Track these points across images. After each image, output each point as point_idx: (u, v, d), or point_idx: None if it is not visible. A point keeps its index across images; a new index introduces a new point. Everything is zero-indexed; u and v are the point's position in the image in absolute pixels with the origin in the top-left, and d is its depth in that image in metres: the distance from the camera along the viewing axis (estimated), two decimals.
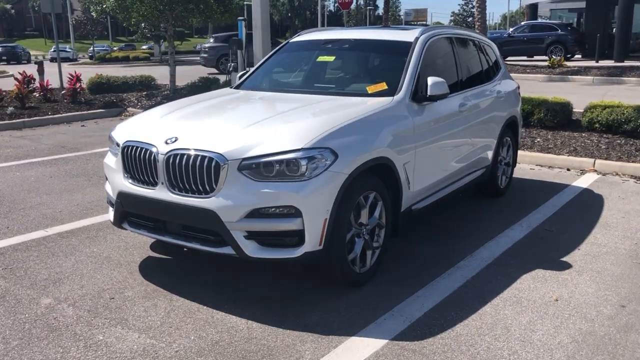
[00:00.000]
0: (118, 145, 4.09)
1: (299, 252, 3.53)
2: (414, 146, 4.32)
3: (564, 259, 4.55)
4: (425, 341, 3.31)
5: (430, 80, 4.46)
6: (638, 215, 5.64)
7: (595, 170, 7.53)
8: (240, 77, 5.50)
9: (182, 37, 66.64)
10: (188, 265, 4.39)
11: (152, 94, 14.07)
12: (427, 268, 4.32)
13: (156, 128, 4.04)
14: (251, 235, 3.53)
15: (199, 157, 3.57)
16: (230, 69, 11.56)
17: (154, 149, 3.75)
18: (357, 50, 5.20)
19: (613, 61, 22.79)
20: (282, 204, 3.47)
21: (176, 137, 3.75)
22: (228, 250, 3.59)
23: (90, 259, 4.52)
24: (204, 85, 13.23)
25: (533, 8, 30.54)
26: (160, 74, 16.94)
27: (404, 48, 4.83)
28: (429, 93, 4.45)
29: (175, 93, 13.88)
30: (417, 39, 4.90)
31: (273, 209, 3.49)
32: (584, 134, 8.61)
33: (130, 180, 3.93)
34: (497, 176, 6.15)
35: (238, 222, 3.49)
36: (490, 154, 5.86)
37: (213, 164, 3.53)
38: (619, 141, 8.18)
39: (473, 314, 3.62)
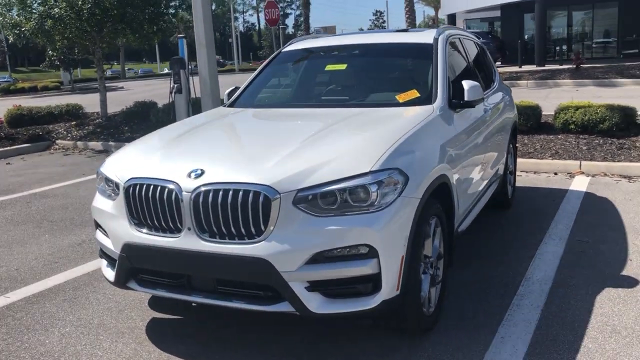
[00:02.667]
0: (116, 184, 3.24)
1: (375, 301, 2.83)
2: (460, 159, 3.76)
3: (625, 273, 4.11)
4: None
5: (467, 84, 3.93)
6: None
7: (583, 172, 7.31)
8: (230, 93, 4.73)
9: (112, 59, 63.63)
10: (206, 325, 3.57)
11: (82, 123, 12.82)
12: (487, 300, 3.74)
13: (167, 159, 3.23)
14: (314, 286, 2.81)
15: (241, 192, 2.81)
16: (174, 90, 10.62)
17: (173, 186, 2.95)
18: (369, 56, 4.59)
19: (535, 66, 23.58)
20: (354, 243, 2.77)
21: (201, 169, 2.96)
22: (284, 307, 2.84)
23: (80, 330, 3.59)
24: (142, 111, 12.17)
25: (452, 18, 31.34)
26: (83, 102, 15.56)
27: (425, 50, 4.28)
28: (466, 98, 3.92)
29: (110, 120, 12.71)
30: (436, 40, 4.37)
31: (341, 250, 2.78)
32: (559, 136, 8.43)
33: (140, 228, 3.09)
34: (507, 186, 5.72)
35: (298, 271, 2.76)
36: (502, 162, 5.41)
37: (261, 199, 2.78)
38: (597, 141, 8.04)
39: (577, 354, 3.05)
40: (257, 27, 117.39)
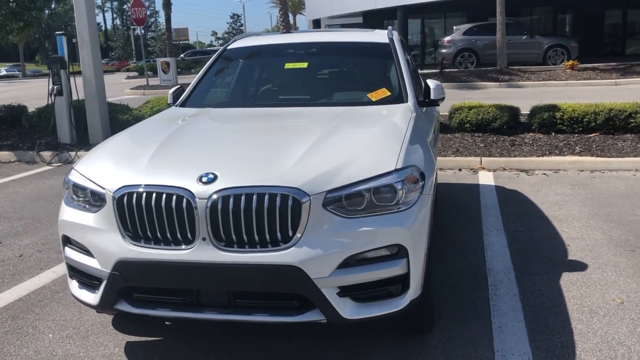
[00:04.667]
0: (98, 194, 2.85)
1: (404, 302, 2.78)
2: (433, 156, 3.84)
3: (571, 258, 4.46)
4: None
5: (432, 83, 4.04)
6: (569, 205, 5.88)
7: (484, 168, 7.84)
8: (176, 93, 4.39)
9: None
10: (194, 342, 3.27)
11: None
12: (465, 292, 3.86)
13: (165, 164, 2.91)
14: (345, 291, 2.69)
15: (266, 197, 2.61)
16: (54, 92, 9.63)
17: (183, 193, 2.65)
18: (328, 54, 4.52)
19: None
20: (386, 244, 2.70)
21: (213, 173, 2.70)
22: (312, 316, 2.69)
23: None
24: (10, 116, 10.88)
25: (317, 23, 32.09)
26: None
27: (384, 49, 4.33)
28: (432, 97, 4.02)
29: None
30: (391, 39, 4.44)
31: (373, 252, 2.69)
32: (457, 135, 8.95)
33: (136, 242, 2.74)
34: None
35: (330, 277, 2.63)
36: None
37: (289, 202, 2.60)
38: (491, 138, 8.65)
39: (574, 336, 3.25)
40: (103, 28, 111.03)
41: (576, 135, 8.41)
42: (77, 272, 3.01)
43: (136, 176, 2.81)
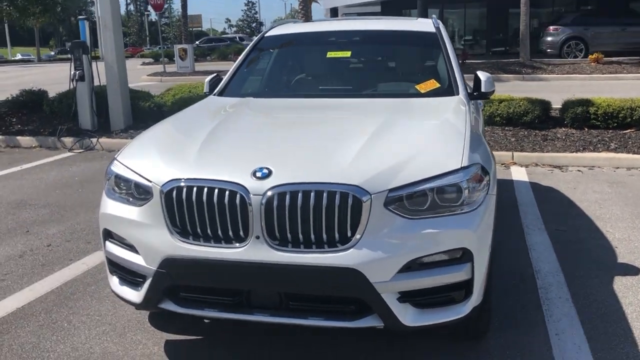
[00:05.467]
0: (144, 187, 2.71)
1: (467, 309, 2.62)
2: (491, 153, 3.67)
3: (621, 261, 4.27)
4: None
5: (483, 75, 3.85)
6: (609, 204, 5.68)
7: (515, 163, 7.63)
8: (213, 82, 4.23)
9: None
10: (236, 341, 3.13)
11: None
12: (515, 295, 3.69)
13: (215, 157, 2.76)
14: (405, 297, 2.53)
15: (325, 194, 2.44)
16: (76, 77, 9.50)
17: (237, 189, 2.50)
18: (371, 43, 4.33)
19: None
20: (451, 247, 2.54)
21: (267, 168, 2.54)
22: (370, 321, 2.54)
23: None
24: (31, 101, 10.78)
25: (334, 12, 31.74)
26: None
27: (431, 39, 4.14)
28: (483, 90, 3.83)
29: None
30: (437, 28, 4.24)
31: (437, 256, 2.52)
32: (486, 128, 8.72)
33: (185, 239, 2.60)
34: None
35: (391, 281, 2.47)
36: None
37: (350, 201, 2.44)
38: (522, 133, 8.43)
39: (638, 347, 3.07)
40: None
41: (610, 131, 8.16)
42: (118, 268, 2.87)
43: (186, 169, 2.66)
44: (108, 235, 2.90)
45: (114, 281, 2.92)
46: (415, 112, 3.40)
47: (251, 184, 2.50)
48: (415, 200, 2.53)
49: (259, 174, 2.52)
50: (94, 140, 9.07)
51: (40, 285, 3.96)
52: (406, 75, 4.06)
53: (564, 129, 8.43)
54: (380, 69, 4.25)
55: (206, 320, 3.35)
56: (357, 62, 4.22)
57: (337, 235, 2.47)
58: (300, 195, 2.45)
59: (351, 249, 2.45)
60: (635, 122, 8.09)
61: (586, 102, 8.43)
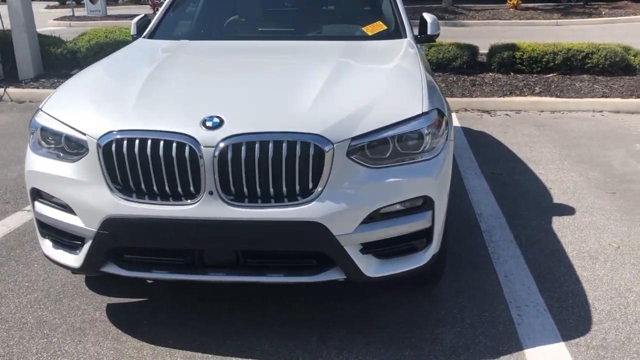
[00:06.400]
0: (77, 140, 2.43)
1: (427, 257, 2.58)
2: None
3: (557, 201, 4.40)
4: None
5: (429, 18, 3.76)
6: (538, 146, 5.85)
7: None
8: (141, 23, 3.87)
9: None
10: (183, 301, 2.97)
11: None
12: (462, 238, 3.73)
13: (157, 105, 2.51)
14: (368, 248, 2.44)
15: (284, 145, 2.28)
16: None
17: (185, 140, 2.28)
18: None
19: None
20: (413, 195, 2.46)
21: (218, 117, 2.34)
22: (332, 275, 2.45)
23: (21, 334, 2.72)
24: None
25: None
26: None
27: None
28: (429, 32, 3.74)
29: None
30: None
31: (400, 205, 2.44)
32: None
33: (128, 197, 2.37)
34: None
35: (355, 233, 2.37)
36: None
37: (311, 151, 2.29)
38: (451, 78, 8.49)
39: (582, 284, 3.17)
40: None
41: (535, 75, 8.37)
42: (51, 230, 2.61)
43: (125, 120, 2.40)
44: (37, 195, 2.61)
45: (47, 244, 2.66)
46: (366, 56, 3.26)
47: (201, 134, 2.29)
48: (377, 149, 2.42)
49: (209, 124, 2.31)
50: (1, 90, 8.31)
51: None
52: (351, 16, 3.89)
53: (491, 74, 8.56)
54: (324, 10, 4.04)
55: (149, 281, 3.16)
56: (298, 3, 3.98)
57: (298, 188, 2.32)
58: (257, 146, 2.27)
59: (313, 202, 2.32)
60: (557, 66, 8.34)
61: (512, 47, 8.58)
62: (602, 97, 7.56)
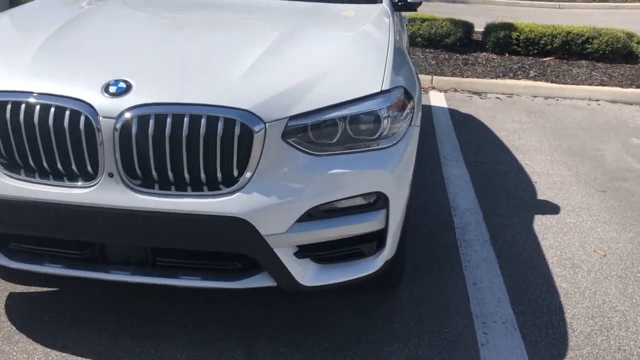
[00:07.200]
0: None
1: (377, 263, 2.16)
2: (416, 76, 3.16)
3: (541, 198, 4.00)
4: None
5: None
6: (528, 134, 5.44)
7: (434, 87, 7.25)
8: None
9: None
10: (103, 297, 2.55)
11: None
12: (432, 234, 3.32)
13: (54, 64, 2.05)
14: (305, 252, 2.02)
15: (203, 120, 1.84)
16: None
17: (79, 107, 1.83)
18: None
19: None
20: (363, 191, 2.03)
21: (125, 81, 1.89)
22: (259, 281, 2.03)
23: None
24: None
25: None
26: None
27: None
28: None
29: None
30: None
31: (345, 202, 2.02)
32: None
33: (14, 174, 1.93)
34: None
35: (288, 233, 1.94)
36: None
37: (237, 130, 1.85)
38: (443, 55, 8.02)
39: (561, 298, 2.78)
40: None
41: (531, 57, 7.92)
42: None
43: (14, 78, 1.94)
44: None
45: None
46: (328, 20, 2.79)
47: (101, 101, 1.84)
48: (322, 132, 1.98)
49: (113, 89, 1.86)
50: None
51: None
52: None
53: (485, 53, 8.10)
54: None
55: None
56: None
57: (219, 174, 1.89)
58: (169, 120, 1.83)
59: (237, 193, 1.89)
60: (555, 50, 7.88)
61: (509, 27, 8.09)
62: (600, 85, 7.13)
